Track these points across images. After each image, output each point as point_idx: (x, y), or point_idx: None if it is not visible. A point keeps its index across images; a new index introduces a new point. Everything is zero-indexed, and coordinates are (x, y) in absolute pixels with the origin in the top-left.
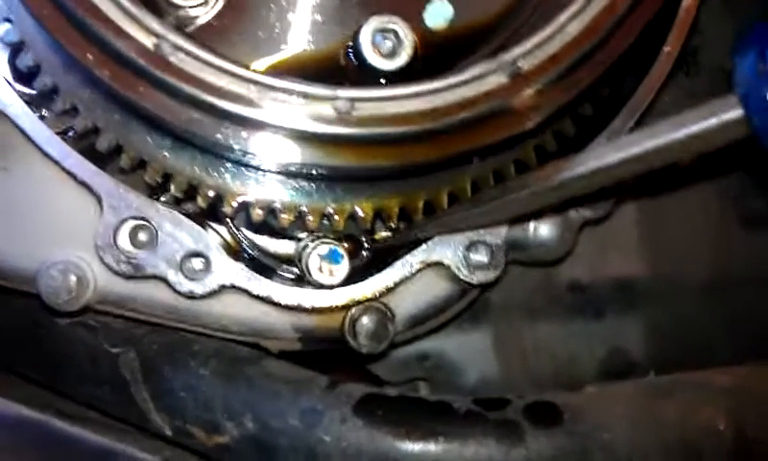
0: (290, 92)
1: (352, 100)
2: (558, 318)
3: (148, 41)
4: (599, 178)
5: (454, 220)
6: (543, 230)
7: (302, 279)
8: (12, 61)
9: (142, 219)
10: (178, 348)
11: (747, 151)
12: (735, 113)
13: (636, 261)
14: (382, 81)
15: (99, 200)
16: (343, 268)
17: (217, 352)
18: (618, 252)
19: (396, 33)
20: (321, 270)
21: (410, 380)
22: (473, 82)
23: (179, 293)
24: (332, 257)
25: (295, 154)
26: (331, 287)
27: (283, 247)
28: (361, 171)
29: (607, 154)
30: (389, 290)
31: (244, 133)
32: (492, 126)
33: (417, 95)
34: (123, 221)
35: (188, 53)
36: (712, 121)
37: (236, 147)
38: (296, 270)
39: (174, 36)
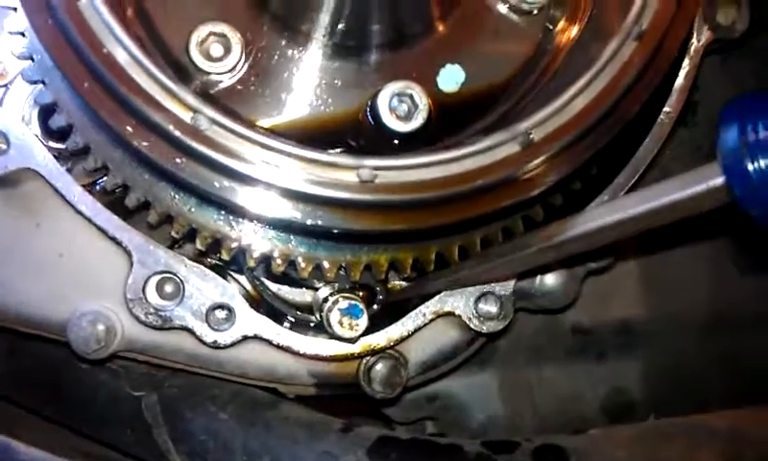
0: (317, 162)
1: (375, 169)
2: (561, 360)
3: (185, 115)
4: (597, 238)
5: (463, 276)
6: (549, 280)
7: (319, 327)
8: (42, 119)
9: (170, 273)
10: (198, 391)
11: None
12: (719, 181)
13: (636, 306)
14: (396, 141)
15: (129, 255)
16: (363, 322)
17: (236, 396)
18: (619, 296)
19: (411, 97)
20: (341, 324)
21: (418, 420)
22: (488, 151)
23: (204, 343)
24: (353, 313)
25: (317, 217)
26: (351, 340)
27: (300, 294)
28: (379, 233)
29: (603, 215)
30: (402, 339)
31: (273, 200)
32: (506, 192)
33: (435, 164)
34: (151, 275)
35: (222, 125)
36: (700, 187)
37: (266, 213)
38: (312, 317)
39: (209, 111)
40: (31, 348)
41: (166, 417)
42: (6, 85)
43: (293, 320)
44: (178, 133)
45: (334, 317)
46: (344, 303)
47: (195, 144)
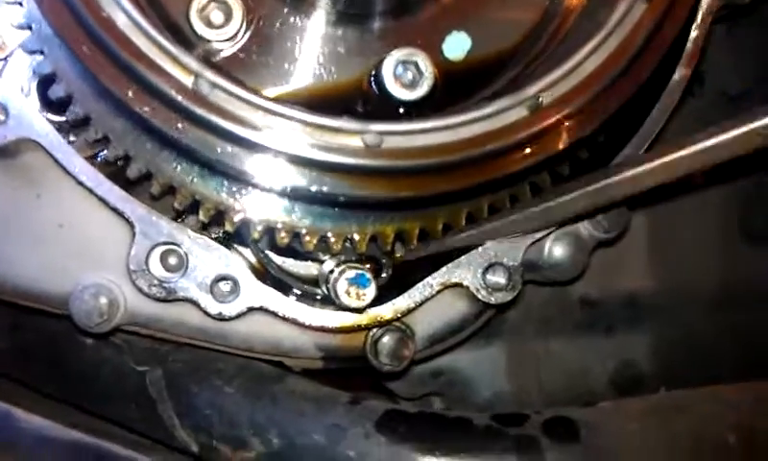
0: (322, 127)
1: (381, 133)
2: (569, 333)
3: (186, 79)
4: (645, 180)
5: (490, 230)
6: (557, 251)
7: (326, 300)
8: (41, 91)
9: (173, 244)
10: (202, 366)
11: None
12: None
13: (645, 278)
14: (401, 110)
15: (131, 226)
16: (370, 291)
17: (241, 370)
18: (628, 269)
19: (416, 65)
20: (348, 294)
21: (424, 395)
22: (496, 115)
23: (209, 315)
24: (360, 282)
25: (323, 184)
26: (359, 310)
27: (305, 268)
28: (386, 200)
29: (654, 159)
30: (409, 310)
31: (277, 166)
32: (514, 157)
33: (443, 128)
34: (155, 246)
35: (225, 90)
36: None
37: (269, 180)
38: (318, 290)
39: (210, 74)
40: (33, 323)
41: (171, 392)
42: (5, 59)
43: (298, 293)
44: (179, 98)
45: (341, 286)
46: (351, 273)
47: (196, 109)
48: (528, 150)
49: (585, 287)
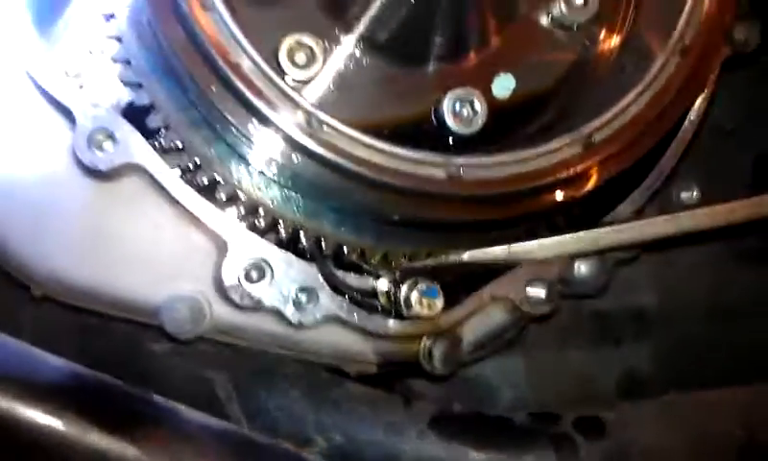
0: (411, 160)
1: (461, 166)
2: (582, 343)
3: (301, 118)
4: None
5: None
6: (584, 269)
7: (384, 309)
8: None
9: (261, 259)
10: (268, 369)
11: None
12: None
13: (650, 293)
14: (452, 143)
15: (224, 242)
16: (440, 301)
17: (304, 375)
18: (636, 285)
19: (471, 103)
20: (421, 304)
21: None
22: (556, 152)
23: (290, 324)
24: (431, 294)
25: (406, 208)
26: (430, 319)
27: (359, 280)
28: (451, 223)
29: None
30: (462, 320)
31: (371, 195)
32: (567, 188)
33: (512, 163)
34: (245, 260)
35: (332, 127)
36: None
37: (358, 206)
38: (375, 301)
39: (321, 114)
40: (101, 332)
41: (239, 394)
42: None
43: (359, 304)
44: (297, 136)
45: (414, 298)
46: (423, 285)
47: (311, 145)
48: (578, 182)
49: (596, 302)
